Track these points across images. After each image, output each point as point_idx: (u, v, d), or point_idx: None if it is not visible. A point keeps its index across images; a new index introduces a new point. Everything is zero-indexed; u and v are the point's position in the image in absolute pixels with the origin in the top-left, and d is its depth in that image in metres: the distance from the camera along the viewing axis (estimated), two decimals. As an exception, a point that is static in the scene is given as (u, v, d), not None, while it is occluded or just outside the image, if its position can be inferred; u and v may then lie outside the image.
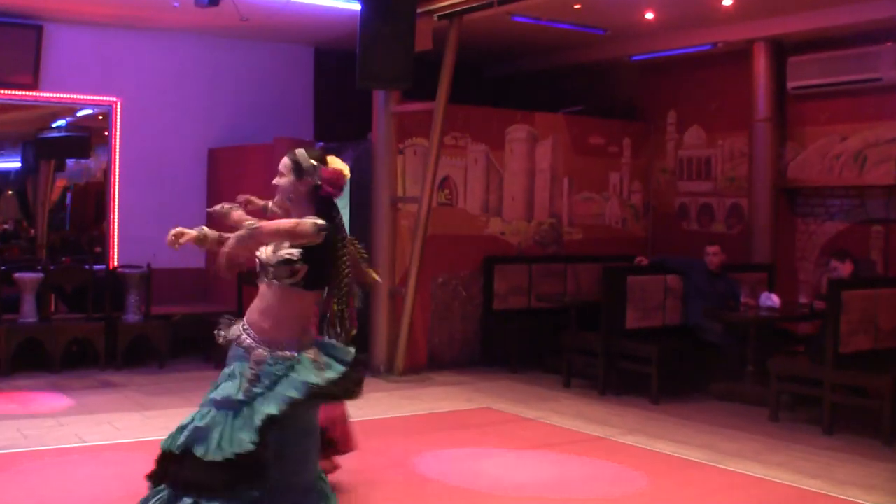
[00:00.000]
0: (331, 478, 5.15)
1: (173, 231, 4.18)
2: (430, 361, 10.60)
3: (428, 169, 10.06)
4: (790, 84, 10.59)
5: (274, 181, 4.28)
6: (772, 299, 9.41)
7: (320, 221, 4.00)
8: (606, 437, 7.71)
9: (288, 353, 4.06)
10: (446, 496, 6.03)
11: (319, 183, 4.18)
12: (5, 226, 11.12)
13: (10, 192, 11.25)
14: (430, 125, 10.07)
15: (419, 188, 10.21)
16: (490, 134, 11.26)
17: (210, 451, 3.90)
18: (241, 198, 4.66)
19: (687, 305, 9.75)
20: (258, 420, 3.90)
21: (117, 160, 10.97)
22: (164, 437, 4.09)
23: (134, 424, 7.78)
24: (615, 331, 9.36)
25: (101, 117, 11.03)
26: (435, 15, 9.86)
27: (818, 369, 8.07)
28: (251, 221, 3.99)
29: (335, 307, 4.34)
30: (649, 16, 10.30)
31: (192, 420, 4.03)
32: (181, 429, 4.03)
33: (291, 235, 3.98)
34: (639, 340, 9.29)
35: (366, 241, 10.64)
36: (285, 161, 4.28)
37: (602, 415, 8.54)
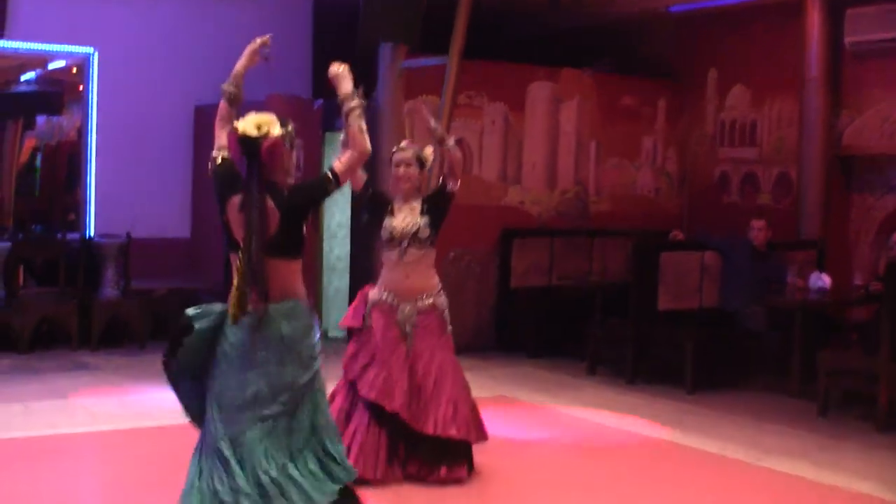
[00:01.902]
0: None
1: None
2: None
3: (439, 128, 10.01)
4: (847, 39, 10.51)
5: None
6: (822, 280, 9.38)
7: None
8: (635, 431, 7.71)
9: None
10: (453, 487, 6.06)
11: None
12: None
13: (-28, 154, 11.27)
14: (442, 82, 10.03)
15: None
16: (509, 93, 11.22)
17: None
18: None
19: (726, 287, 9.72)
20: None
21: (93, 118, 10.95)
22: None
23: (111, 410, 7.80)
24: (646, 314, 9.34)
25: (75, 70, 11.01)
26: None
27: (873, 362, 8.05)
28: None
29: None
30: (689, -39, 10.24)
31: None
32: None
33: None
34: (672, 325, 9.28)
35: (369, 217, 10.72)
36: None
37: (630, 405, 8.54)
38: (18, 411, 7.65)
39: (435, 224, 6.20)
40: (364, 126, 4.66)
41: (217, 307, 4.54)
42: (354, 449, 5.93)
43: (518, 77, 11.30)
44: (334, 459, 4.50)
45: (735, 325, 9.58)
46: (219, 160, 4.61)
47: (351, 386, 6.15)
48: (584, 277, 10.64)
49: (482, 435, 6.26)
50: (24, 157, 11.16)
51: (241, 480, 4.29)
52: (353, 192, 11.55)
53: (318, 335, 4.63)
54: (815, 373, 8.46)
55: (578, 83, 11.75)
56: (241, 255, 4.44)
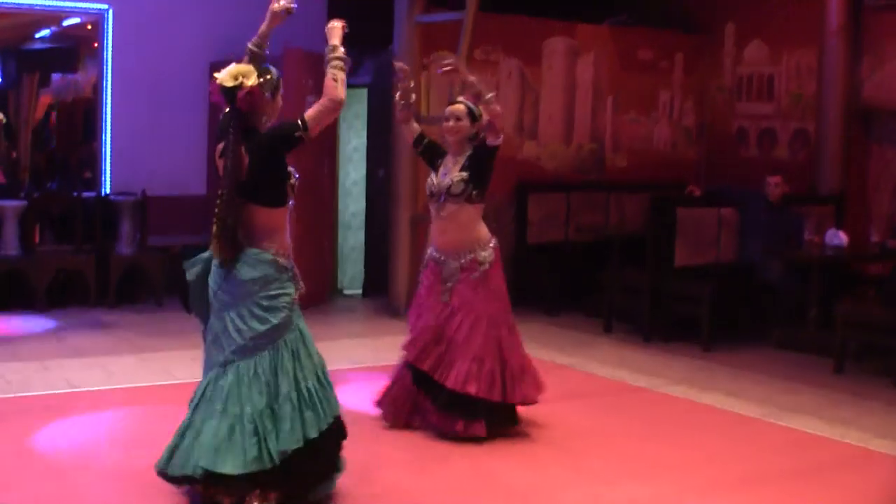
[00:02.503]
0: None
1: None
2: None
3: (455, 85, 9.97)
4: (867, -8, 10.43)
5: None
6: (839, 237, 9.33)
7: None
8: (651, 388, 7.70)
9: None
10: (467, 443, 6.06)
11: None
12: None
13: (-12, 110, 11.25)
14: (458, 37, 9.95)
15: (445, 107, 10.11)
16: (525, 47, 11.15)
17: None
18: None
19: (744, 241, 9.69)
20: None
21: (108, 74, 10.90)
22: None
23: (128, 368, 7.83)
24: (662, 268, 9.31)
25: (90, 26, 10.95)
26: None
27: (891, 314, 8.00)
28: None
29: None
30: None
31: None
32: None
33: None
34: (689, 279, 9.24)
35: (385, 165, 10.71)
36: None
37: (647, 363, 8.54)
38: (36, 369, 7.68)
39: (475, 179, 6.19)
40: (340, 77, 4.79)
41: (205, 254, 4.86)
42: (388, 397, 6.36)
43: (534, 31, 11.22)
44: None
45: (752, 277, 9.55)
46: (222, 115, 4.85)
47: None
48: (600, 231, 10.59)
49: (514, 396, 6.22)
50: (40, 114, 11.14)
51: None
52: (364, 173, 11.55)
53: (284, 289, 4.79)
54: (833, 325, 8.44)
55: (595, 37, 11.66)
56: (218, 199, 4.68)
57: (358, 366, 8.11)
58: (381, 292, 10.87)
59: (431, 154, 6.44)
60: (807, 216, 9.91)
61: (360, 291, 11.72)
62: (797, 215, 9.79)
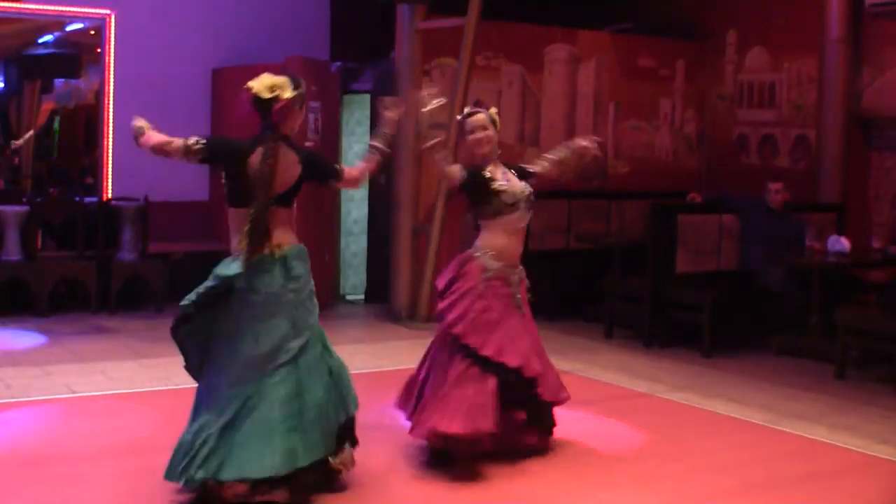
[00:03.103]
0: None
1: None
2: (456, 308, 10.57)
3: (457, 92, 9.95)
4: (868, 0, 10.39)
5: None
6: (840, 243, 9.30)
7: None
8: (652, 394, 7.69)
9: None
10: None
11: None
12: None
13: (-10, 116, 11.25)
14: (460, 43, 9.95)
15: (447, 114, 10.11)
16: (527, 54, 11.14)
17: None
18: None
19: (745, 248, 9.68)
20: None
21: (111, 81, 10.90)
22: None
23: (128, 374, 7.82)
24: (664, 275, 9.30)
25: (92, 32, 10.95)
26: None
27: (892, 321, 7.98)
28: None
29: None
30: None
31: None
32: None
33: None
34: (690, 286, 9.23)
35: (386, 173, 10.70)
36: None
37: (648, 369, 8.52)
38: (37, 374, 7.67)
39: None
40: (369, 169, 5.42)
41: (228, 272, 4.99)
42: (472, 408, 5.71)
43: (536, 38, 11.22)
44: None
45: (753, 284, 9.53)
46: (202, 139, 4.97)
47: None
48: (602, 239, 10.57)
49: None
50: (42, 119, 11.13)
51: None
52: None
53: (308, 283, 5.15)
54: (834, 332, 8.42)
55: (596, 44, 11.66)
56: (253, 204, 4.88)
57: (359, 372, 8.08)
58: (382, 298, 10.86)
59: (478, 181, 5.99)
60: (808, 223, 9.89)
61: (361, 297, 11.71)
62: (798, 222, 9.77)
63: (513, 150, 11.00)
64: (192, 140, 4.92)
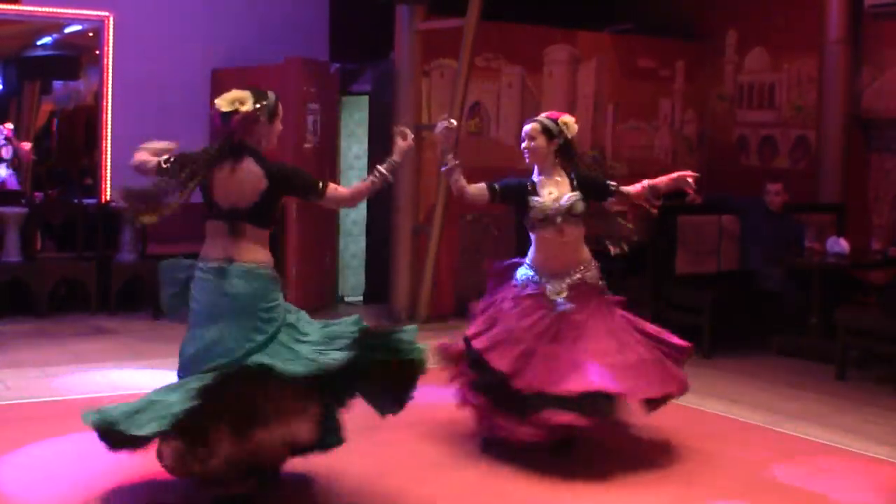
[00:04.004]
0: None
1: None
2: (457, 308, 10.52)
3: (456, 94, 9.96)
4: (867, 1, 10.39)
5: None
6: (840, 244, 9.30)
7: None
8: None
9: None
10: (474, 453, 6.04)
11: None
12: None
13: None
14: (459, 44, 9.95)
15: (445, 113, 10.12)
16: (526, 55, 11.14)
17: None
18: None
19: (745, 249, 9.68)
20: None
21: (110, 82, 10.90)
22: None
23: (128, 375, 7.81)
24: (663, 276, 9.31)
25: (91, 34, 10.95)
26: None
27: (892, 322, 7.98)
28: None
29: None
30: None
31: None
32: None
33: None
34: (690, 287, 9.23)
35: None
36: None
37: (648, 370, 8.49)
38: (37, 375, 7.67)
39: (585, 198, 5.99)
40: (371, 190, 5.27)
41: (187, 262, 5.38)
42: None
43: (535, 39, 11.22)
44: None
45: (753, 285, 9.53)
46: (171, 157, 5.07)
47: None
48: (601, 240, 10.56)
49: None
50: (41, 121, 11.14)
51: None
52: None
53: (278, 300, 5.04)
54: (834, 332, 8.42)
55: (596, 45, 11.66)
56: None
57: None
58: (381, 300, 10.85)
59: (515, 192, 5.99)
60: (808, 225, 9.89)
61: (360, 299, 11.70)
62: (798, 223, 9.77)
63: (512, 151, 11.00)
64: (163, 158, 5.05)
